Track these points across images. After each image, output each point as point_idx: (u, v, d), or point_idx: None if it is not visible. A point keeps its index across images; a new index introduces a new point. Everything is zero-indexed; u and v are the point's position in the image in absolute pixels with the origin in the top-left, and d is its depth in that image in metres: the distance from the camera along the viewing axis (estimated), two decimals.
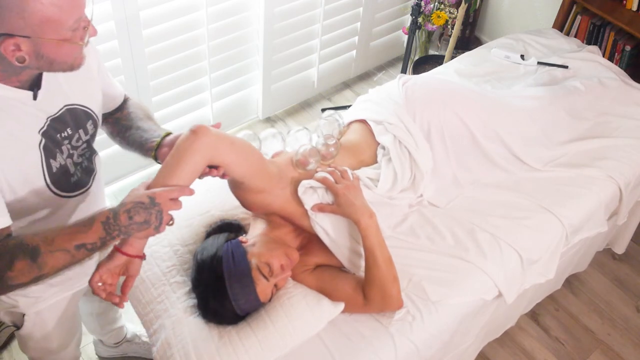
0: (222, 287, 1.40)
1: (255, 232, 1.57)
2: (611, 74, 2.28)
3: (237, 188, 1.50)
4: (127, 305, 2.05)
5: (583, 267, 2.43)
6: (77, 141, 1.32)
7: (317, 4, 2.83)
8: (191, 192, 1.26)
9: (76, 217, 1.39)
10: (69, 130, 1.29)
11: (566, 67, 2.30)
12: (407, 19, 3.37)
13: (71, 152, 1.31)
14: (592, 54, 2.39)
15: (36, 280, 1.12)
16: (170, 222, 1.23)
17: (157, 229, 1.20)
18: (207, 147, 1.30)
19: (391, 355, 1.51)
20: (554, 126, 2.04)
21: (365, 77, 3.45)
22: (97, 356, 2.18)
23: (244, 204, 1.54)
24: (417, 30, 3.07)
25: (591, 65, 2.33)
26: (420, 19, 3.00)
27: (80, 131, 1.32)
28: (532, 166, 1.96)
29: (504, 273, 1.70)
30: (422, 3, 2.88)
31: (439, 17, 3.05)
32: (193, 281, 1.48)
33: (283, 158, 1.63)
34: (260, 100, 2.98)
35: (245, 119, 3.05)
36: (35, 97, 1.20)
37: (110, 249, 1.23)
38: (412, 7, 2.81)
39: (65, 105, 1.28)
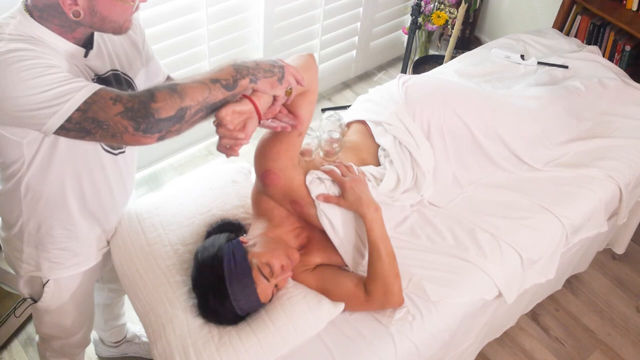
0: (222, 287, 1.40)
1: (255, 232, 1.57)
2: (611, 74, 2.28)
3: (279, 141, 1.50)
4: (128, 305, 2.07)
5: (583, 267, 2.43)
6: None
7: (317, 4, 2.83)
8: (303, 84, 1.35)
9: (113, 177, 1.48)
10: None
11: (566, 67, 2.30)
12: (407, 19, 3.37)
13: None
14: (592, 54, 2.39)
15: (181, 115, 1.14)
16: (289, 89, 1.32)
17: (280, 81, 1.27)
18: (317, 70, 1.47)
19: (391, 355, 1.51)
20: (554, 126, 2.04)
21: (365, 77, 3.45)
22: (97, 356, 2.19)
23: (270, 170, 1.51)
24: (417, 30, 3.07)
25: (591, 65, 2.33)
26: (420, 19, 3.00)
27: None
28: (533, 166, 1.96)
29: (504, 273, 1.70)
30: (422, 3, 2.88)
31: (439, 17, 3.05)
32: (193, 281, 1.48)
33: None
34: None
35: None
36: (86, 55, 1.29)
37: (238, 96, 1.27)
38: (412, 7, 2.81)
39: (112, 70, 1.37)
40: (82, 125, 1.12)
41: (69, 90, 1.11)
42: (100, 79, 1.33)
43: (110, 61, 1.37)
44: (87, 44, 1.30)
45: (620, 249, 2.51)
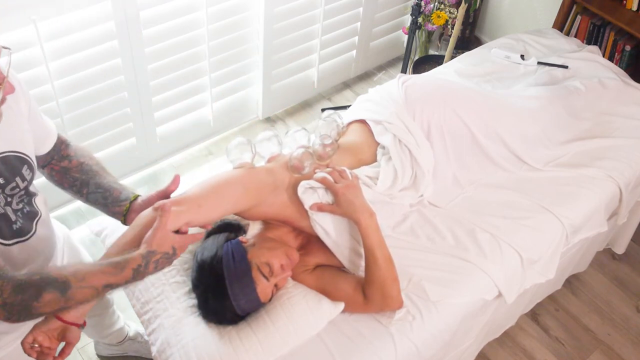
0: (222, 287, 1.40)
1: (255, 232, 1.57)
2: (611, 74, 2.28)
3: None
4: (127, 305, 2.06)
5: (583, 267, 2.43)
6: (14, 189, 1.26)
7: (317, 4, 2.83)
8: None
9: (25, 265, 1.34)
10: (1, 180, 1.22)
11: (566, 67, 2.30)
12: (407, 19, 3.37)
13: (8, 199, 1.26)
14: (592, 54, 2.39)
15: (58, 310, 1.17)
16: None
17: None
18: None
19: (391, 355, 1.51)
20: (554, 126, 2.04)
21: (365, 77, 3.45)
22: (97, 356, 2.18)
23: (240, 216, 1.55)
24: (417, 30, 3.07)
25: (591, 65, 2.33)
26: (420, 19, 3.00)
27: (17, 179, 1.26)
28: (533, 166, 1.96)
29: (504, 273, 1.70)
30: (422, 3, 2.88)
31: (439, 17, 3.05)
32: (193, 281, 1.48)
33: (279, 162, 1.62)
34: (260, 100, 2.98)
35: (245, 119, 3.05)
36: None
37: None
38: (412, 7, 2.81)
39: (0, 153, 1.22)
40: None
41: None
42: None
43: None
44: None
45: (620, 249, 2.51)
